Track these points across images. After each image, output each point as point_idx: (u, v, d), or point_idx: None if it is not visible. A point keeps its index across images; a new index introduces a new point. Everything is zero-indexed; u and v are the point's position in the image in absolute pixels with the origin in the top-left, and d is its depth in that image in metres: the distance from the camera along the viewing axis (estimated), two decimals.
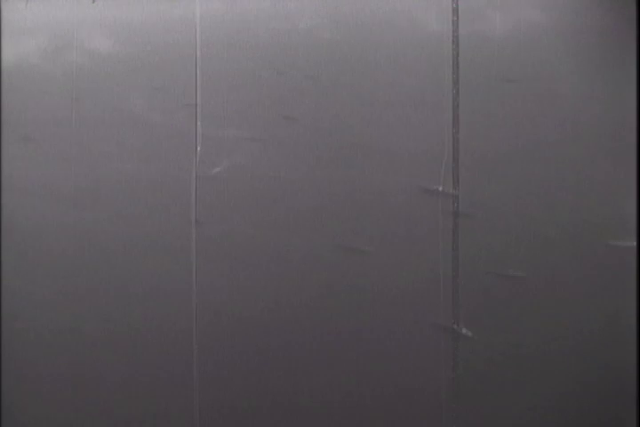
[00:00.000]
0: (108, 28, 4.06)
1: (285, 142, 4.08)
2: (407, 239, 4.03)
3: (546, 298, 3.96)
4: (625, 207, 3.95)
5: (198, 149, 4.07)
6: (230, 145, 4.09)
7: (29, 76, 4.16)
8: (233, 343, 4.05)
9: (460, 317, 4.01)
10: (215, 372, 4.10)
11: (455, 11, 3.93)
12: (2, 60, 4.13)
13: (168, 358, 4.08)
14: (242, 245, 4.01)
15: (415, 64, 4.05)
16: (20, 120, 4.19)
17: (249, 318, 4.02)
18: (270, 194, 4.04)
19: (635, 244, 3.82)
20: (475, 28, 4.00)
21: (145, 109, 4.11)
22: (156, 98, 4.10)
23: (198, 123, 4.12)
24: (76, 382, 4.11)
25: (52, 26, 4.04)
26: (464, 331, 3.89)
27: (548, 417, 3.95)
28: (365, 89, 4.11)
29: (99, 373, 4.09)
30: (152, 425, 4.08)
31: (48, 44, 4.06)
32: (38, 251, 4.07)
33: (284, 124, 4.07)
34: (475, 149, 4.05)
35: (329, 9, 4.01)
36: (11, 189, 4.06)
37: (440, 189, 4.01)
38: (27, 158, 4.18)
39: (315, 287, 4.00)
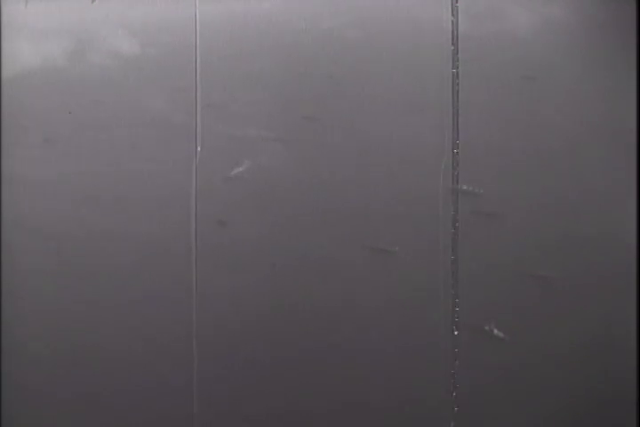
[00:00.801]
0: (132, 28, 4.05)
1: (306, 143, 4.06)
2: (432, 239, 4.00)
3: (575, 299, 3.93)
4: None
5: (198, 149, 4.05)
6: (251, 145, 4.08)
7: (51, 78, 4.16)
8: (253, 347, 4.03)
9: (490, 318, 3.98)
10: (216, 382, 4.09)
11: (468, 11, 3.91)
12: (23, 62, 4.13)
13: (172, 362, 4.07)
14: (266, 247, 3.99)
15: (439, 64, 4.02)
16: (41, 122, 4.18)
17: (280, 321, 3.99)
18: (293, 195, 4.02)
19: None
20: (499, 27, 3.98)
21: (166, 110, 4.10)
22: (177, 99, 4.09)
23: (199, 120, 4.09)
24: (72, 389, 4.09)
25: (75, 27, 4.03)
26: (495, 332, 3.85)
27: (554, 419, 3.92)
28: (388, 89, 4.08)
29: (97, 379, 4.08)
30: None
31: (70, 46, 4.06)
32: (58, 253, 4.06)
33: (304, 124, 4.05)
34: (495, 147, 4.02)
35: (352, 8, 3.98)
36: (33, 191, 4.06)
37: (464, 187, 3.98)
38: (47, 160, 4.17)
39: (341, 288, 3.98)
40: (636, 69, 3.85)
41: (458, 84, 4.05)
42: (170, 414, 4.16)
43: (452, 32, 4.03)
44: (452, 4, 3.95)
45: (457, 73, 4.04)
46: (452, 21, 3.94)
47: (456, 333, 3.95)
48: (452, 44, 4.01)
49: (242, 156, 4.13)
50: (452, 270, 4.01)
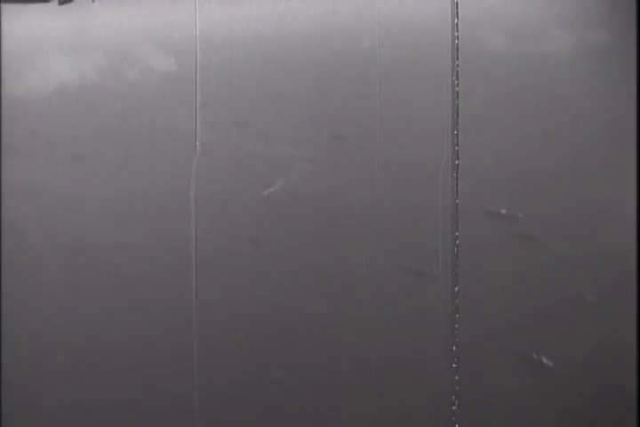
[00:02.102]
0: (163, 46, 4.06)
1: (336, 162, 4.06)
2: (472, 262, 3.98)
3: (621, 322, 3.89)
4: None
5: (196, 159, 4.04)
6: (282, 165, 4.08)
7: (81, 95, 4.18)
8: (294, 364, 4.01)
9: (540, 345, 3.94)
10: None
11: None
12: (60, 78, 4.16)
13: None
14: (302, 268, 3.99)
15: (480, 83, 4.01)
16: (71, 138, 4.20)
17: (321, 343, 3.97)
18: (327, 215, 4.02)
19: None
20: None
21: (194, 127, 4.12)
22: (205, 116, 4.10)
23: (199, 130, 4.10)
24: (69, 396, 4.09)
25: (111, 43, 4.05)
26: (545, 360, 3.80)
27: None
28: (418, 110, 4.08)
29: (96, 387, 4.07)
30: None
31: (102, 63, 4.08)
32: (89, 269, 4.07)
33: (333, 143, 4.05)
34: (531, 169, 4.01)
35: (388, 29, 3.99)
36: (62, 207, 4.07)
37: (503, 211, 3.96)
38: (76, 176, 4.19)
39: (377, 311, 3.96)
40: (636, 70, 3.83)
41: (487, 107, 4.05)
42: (169, 423, 4.16)
43: (452, 53, 4.02)
44: (454, 27, 3.94)
45: (486, 95, 4.03)
46: (456, 38, 3.93)
47: (455, 348, 3.92)
48: (453, 66, 4.00)
49: (272, 175, 4.13)
50: (452, 299, 3.99)
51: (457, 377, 3.96)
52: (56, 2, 4.19)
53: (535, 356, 3.81)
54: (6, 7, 4.15)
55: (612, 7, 3.84)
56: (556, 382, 3.93)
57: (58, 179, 4.30)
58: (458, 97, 3.97)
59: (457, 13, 3.85)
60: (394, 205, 3.94)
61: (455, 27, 3.89)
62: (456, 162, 3.92)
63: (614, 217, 3.95)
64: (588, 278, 3.94)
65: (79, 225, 4.19)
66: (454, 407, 3.91)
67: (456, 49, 3.95)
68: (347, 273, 4.03)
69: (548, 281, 3.97)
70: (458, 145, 3.95)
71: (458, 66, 3.94)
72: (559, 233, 4.04)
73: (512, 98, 3.97)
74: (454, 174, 3.86)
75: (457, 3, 3.89)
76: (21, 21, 4.30)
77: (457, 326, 3.95)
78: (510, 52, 3.92)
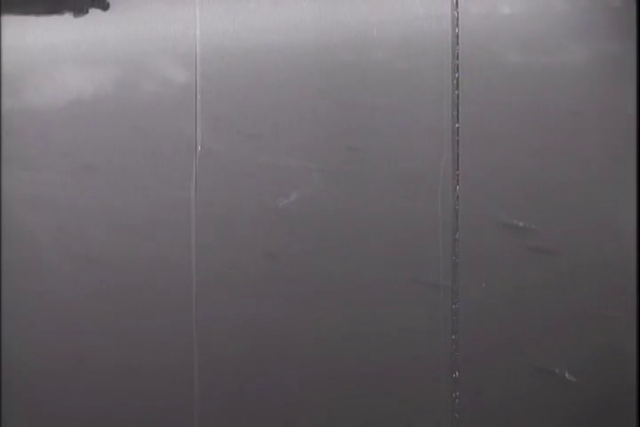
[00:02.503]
0: (184, 58, 4.05)
1: (350, 173, 4.03)
2: (488, 275, 3.95)
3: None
4: None
5: (195, 172, 4.02)
6: (297, 176, 4.06)
7: (94, 106, 4.18)
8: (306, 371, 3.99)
9: (558, 360, 3.90)
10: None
11: None
12: (71, 89, 4.15)
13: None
14: (319, 279, 3.95)
15: (500, 95, 3.99)
16: (83, 149, 4.19)
17: (339, 351, 3.94)
18: (342, 226, 3.99)
19: None
20: None
21: (207, 139, 4.10)
22: (218, 127, 4.09)
23: (198, 133, 4.08)
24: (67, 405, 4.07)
25: (127, 56, 4.04)
26: (567, 375, 3.76)
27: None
28: (434, 118, 4.06)
29: (103, 390, 4.06)
30: None
31: (117, 75, 4.07)
32: (102, 279, 4.05)
33: (348, 154, 4.03)
34: (548, 182, 3.99)
35: (404, 40, 3.97)
36: (76, 217, 4.06)
37: (520, 224, 3.93)
38: (89, 186, 4.18)
39: (391, 322, 3.93)
40: (636, 69, 3.81)
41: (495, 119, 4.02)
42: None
43: (452, 64, 4.00)
44: (454, 39, 3.92)
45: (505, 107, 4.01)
46: (455, 51, 3.91)
47: (456, 374, 3.89)
48: (454, 77, 3.98)
49: (287, 187, 4.11)
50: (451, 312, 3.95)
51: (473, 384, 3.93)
52: (71, 14, 4.19)
53: (558, 371, 3.76)
54: (19, 20, 4.15)
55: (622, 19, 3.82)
56: (569, 391, 3.89)
57: (70, 189, 4.29)
58: (458, 106, 3.95)
59: (457, 24, 3.83)
60: (408, 217, 3.91)
61: (456, 39, 3.87)
62: (457, 173, 3.89)
63: (620, 227, 3.92)
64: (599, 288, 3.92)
65: (91, 235, 4.18)
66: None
67: (456, 61, 3.93)
68: (359, 283, 4.00)
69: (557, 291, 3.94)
70: (457, 156, 3.92)
71: (458, 78, 3.91)
72: (573, 244, 4.00)
73: (531, 110, 3.95)
74: (458, 186, 3.82)
75: (457, 18, 3.86)
76: (38, 33, 4.30)
77: (457, 337, 3.92)
78: (525, 64, 3.90)
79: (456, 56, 3.78)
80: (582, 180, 3.70)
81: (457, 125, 3.83)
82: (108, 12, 4.03)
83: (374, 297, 3.84)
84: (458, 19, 3.73)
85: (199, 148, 3.87)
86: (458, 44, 3.77)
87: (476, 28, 3.79)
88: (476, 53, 3.70)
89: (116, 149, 4.02)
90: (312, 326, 3.93)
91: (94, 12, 4.03)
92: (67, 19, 4.06)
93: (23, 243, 4.06)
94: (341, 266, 3.85)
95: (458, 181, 3.80)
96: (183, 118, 4.14)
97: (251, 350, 3.94)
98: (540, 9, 3.66)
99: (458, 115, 3.79)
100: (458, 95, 3.76)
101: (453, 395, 3.74)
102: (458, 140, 3.78)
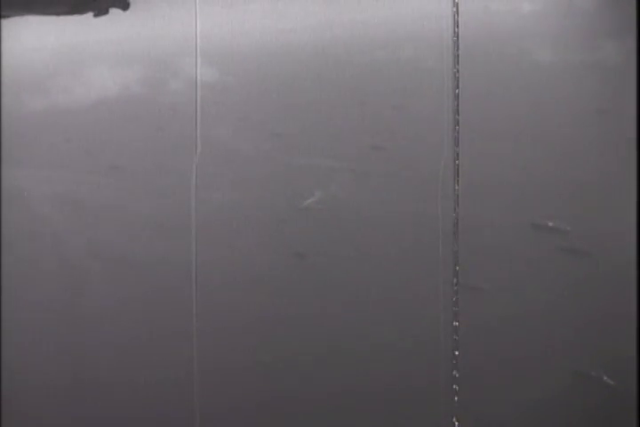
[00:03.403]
0: (211, 57, 4.04)
1: (375, 172, 4.01)
2: (522, 276, 3.91)
3: None
4: None
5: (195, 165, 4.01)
6: (322, 175, 4.04)
7: (120, 106, 4.17)
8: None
9: (598, 362, 3.84)
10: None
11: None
12: (94, 89, 4.15)
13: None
14: (347, 281, 3.94)
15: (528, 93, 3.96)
16: (107, 149, 4.19)
17: (366, 355, 3.92)
18: (369, 226, 3.97)
19: None
20: None
21: (231, 138, 4.09)
22: (243, 127, 4.07)
23: (198, 130, 4.06)
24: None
25: (154, 55, 4.03)
26: (605, 378, 3.70)
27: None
28: (459, 121, 4.03)
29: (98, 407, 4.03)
30: None
31: (145, 74, 4.07)
32: (130, 280, 4.05)
33: (372, 153, 4.01)
34: (576, 181, 3.95)
35: (431, 39, 3.94)
36: (100, 218, 4.06)
37: (550, 224, 3.89)
38: (114, 187, 4.17)
39: (426, 324, 3.90)
40: (635, 67, 3.77)
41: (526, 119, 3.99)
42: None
43: (454, 75, 3.97)
44: (455, 47, 3.89)
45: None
46: (455, 67, 3.88)
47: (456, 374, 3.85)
48: (456, 84, 3.94)
49: (312, 186, 4.09)
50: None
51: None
52: (91, 14, 4.19)
53: (594, 373, 3.72)
54: (43, 20, 4.15)
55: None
56: (608, 393, 3.85)
57: (94, 189, 4.29)
58: (463, 106, 3.90)
59: (457, 24, 3.79)
60: (436, 217, 3.88)
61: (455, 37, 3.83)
62: (492, 174, 3.86)
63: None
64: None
65: (116, 236, 4.17)
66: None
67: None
68: (399, 289, 3.96)
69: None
70: (478, 157, 3.89)
71: (461, 77, 3.88)
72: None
73: (558, 109, 3.91)
74: (457, 187, 3.78)
75: (457, 21, 3.82)
76: (57, 34, 4.30)
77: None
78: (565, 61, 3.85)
79: (454, 54, 3.74)
80: (608, 179, 3.66)
81: (481, 127, 3.80)
82: (133, 11, 4.02)
83: (403, 296, 3.81)
84: (458, 25, 3.70)
85: (199, 148, 3.87)
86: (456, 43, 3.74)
87: (499, 26, 3.75)
88: (507, 51, 3.67)
89: (139, 148, 4.01)
90: (343, 328, 3.90)
91: (116, 12, 4.03)
92: (92, 19, 4.06)
93: (47, 241, 4.06)
94: (367, 266, 3.83)
95: (465, 182, 3.78)
96: (208, 119, 4.13)
97: (285, 350, 3.93)
98: (564, 7, 3.62)
99: (473, 115, 3.76)
100: (464, 94, 3.74)
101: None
102: (479, 142, 3.75)
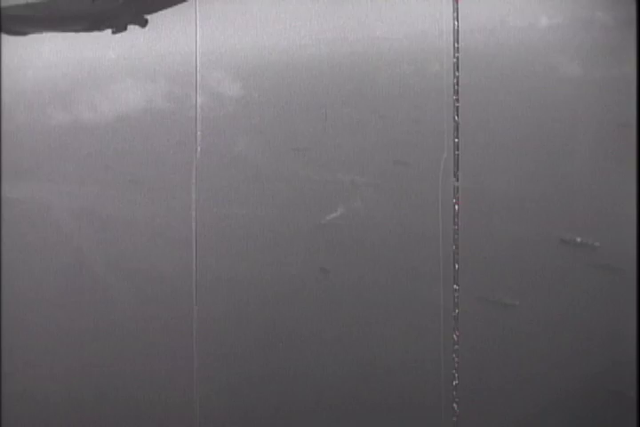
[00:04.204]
0: (234, 72, 4.08)
1: (398, 187, 4.00)
2: (551, 292, 3.88)
3: None
4: None
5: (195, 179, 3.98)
6: (344, 190, 4.04)
7: (142, 121, 4.22)
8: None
9: (625, 379, 3.79)
10: None
11: None
12: (114, 104, 4.21)
13: None
14: (372, 295, 3.92)
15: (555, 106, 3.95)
16: (126, 163, 4.23)
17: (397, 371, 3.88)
18: (395, 242, 3.96)
19: None
20: None
21: (252, 152, 4.11)
22: (262, 141, 4.09)
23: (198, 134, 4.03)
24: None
25: (176, 69, 4.08)
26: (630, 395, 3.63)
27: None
28: (482, 133, 4.03)
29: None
30: None
31: (164, 88, 4.11)
32: (152, 294, 4.06)
33: (395, 169, 4.01)
34: (604, 197, 3.92)
35: (451, 53, 3.91)
36: (119, 229, 4.08)
37: (578, 240, 3.86)
38: (132, 200, 4.20)
39: (459, 341, 3.85)
40: (636, 68, 3.75)
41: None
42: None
43: (454, 85, 3.94)
44: (455, 61, 3.85)
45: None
46: (455, 76, 3.85)
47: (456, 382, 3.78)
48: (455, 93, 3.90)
49: (335, 201, 4.09)
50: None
51: None
52: (109, 31, 4.22)
53: (627, 392, 3.65)
54: (66, 36, 4.17)
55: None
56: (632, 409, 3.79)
57: (112, 203, 4.32)
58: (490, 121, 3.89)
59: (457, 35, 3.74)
60: (468, 234, 3.84)
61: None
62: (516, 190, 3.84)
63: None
64: None
65: (136, 248, 4.19)
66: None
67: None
68: (427, 305, 3.93)
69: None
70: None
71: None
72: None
73: (582, 123, 3.90)
74: (457, 205, 3.73)
75: (456, 32, 3.78)
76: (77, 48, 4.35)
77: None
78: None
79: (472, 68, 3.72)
80: (634, 194, 3.62)
81: (506, 142, 3.80)
82: (153, 28, 4.04)
83: (431, 312, 3.78)
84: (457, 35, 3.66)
85: (199, 148, 3.87)
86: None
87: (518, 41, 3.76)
88: (528, 66, 3.68)
89: (159, 163, 4.04)
90: (368, 342, 3.88)
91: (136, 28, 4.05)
92: (116, 34, 4.09)
93: (69, 255, 4.08)
94: (391, 280, 3.81)
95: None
96: (232, 134, 4.16)
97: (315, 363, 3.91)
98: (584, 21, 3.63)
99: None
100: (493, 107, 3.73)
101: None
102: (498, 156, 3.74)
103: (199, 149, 3.60)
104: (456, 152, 3.73)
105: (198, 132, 3.52)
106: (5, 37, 4.37)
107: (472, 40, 3.97)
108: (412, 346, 3.67)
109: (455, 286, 3.86)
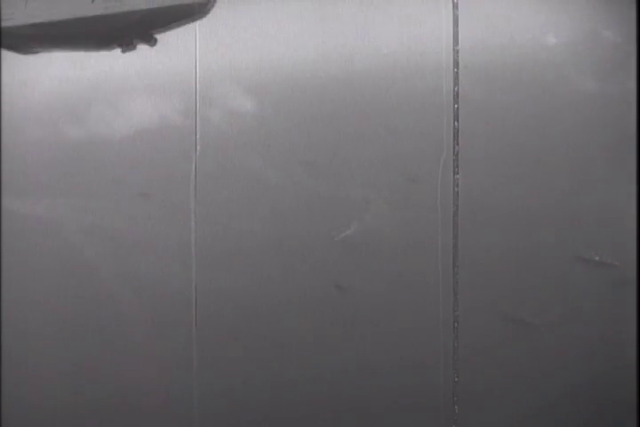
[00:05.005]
0: (247, 87, 4.03)
1: (411, 204, 3.96)
2: (569, 311, 3.84)
3: None
4: None
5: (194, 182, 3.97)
6: (357, 206, 4.00)
7: (145, 133, 4.18)
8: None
9: None
10: None
11: None
12: (124, 118, 4.17)
13: None
14: (389, 313, 3.88)
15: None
16: (136, 177, 4.19)
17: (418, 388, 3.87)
18: (409, 259, 3.91)
19: None
20: None
21: (261, 167, 4.07)
22: (272, 155, 4.06)
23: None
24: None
25: (190, 84, 4.03)
26: None
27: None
28: (497, 147, 3.99)
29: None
30: None
31: (175, 103, 4.07)
32: (166, 311, 4.03)
33: (407, 185, 3.97)
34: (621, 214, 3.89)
35: (470, 70, 3.90)
36: (129, 246, 4.05)
37: (597, 258, 3.83)
38: (142, 215, 4.17)
39: (471, 356, 3.82)
40: (636, 69, 3.71)
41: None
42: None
43: (454, 96, 3.93)
44: (454, 75, 3.86)
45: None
46: (454, 90, 3.84)
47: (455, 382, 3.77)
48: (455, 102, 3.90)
49: (348, 217, 4.05)
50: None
51: None
52: (119, 50, 4.24)
53: None
54: (80, 55, 4.17)
55: None
56: None
57: (123, 218, 4.28)
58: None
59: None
60: (484, 252, 3.81)
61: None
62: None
63: None
64: None
65: (148, 264, 4.16)
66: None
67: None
68: (443, 321, 3.90)
69: None
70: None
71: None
72: None
73: (597, 139, 3.87)
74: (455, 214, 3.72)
75: (456, 50, 3.78)
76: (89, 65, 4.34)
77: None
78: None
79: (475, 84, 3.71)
80: None
81: (519, 158, 3.76)
82: (164, 44, 4.04)
83: (445, 329, 3.75)
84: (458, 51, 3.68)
85: (198, 148, 3.85)
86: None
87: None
88: (538, 82, 3.64)
89: (169, 177, 4.01)
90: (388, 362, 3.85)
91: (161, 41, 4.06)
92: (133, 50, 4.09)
93: (81, 271, 4.06)
94: (407, 297, 3.77)
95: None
96: (245, 150, 4.12)
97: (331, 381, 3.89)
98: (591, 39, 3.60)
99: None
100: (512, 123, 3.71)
101: None
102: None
103: (196, 162, 3.59)
104: (453, 157, 3.70)
105: (198, 147, 3.52)
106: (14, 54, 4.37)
107: (481, 57, 3.96)
108: (434, 366, 3.62)
109: (464, 304, 3.84)
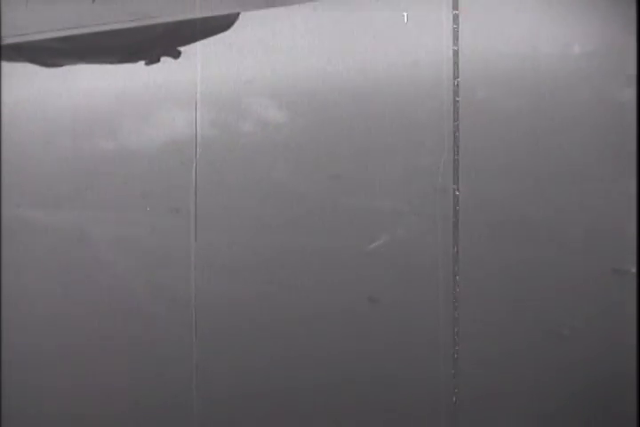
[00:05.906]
0: (280, 98, 4.02)
1: (441, 215, 3.92)
2: (601, 322, 3.78)
3: None
4: None
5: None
6: (387, 218, 3.96)
7: (177, 146, 4.16)
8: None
9: None
10: None
11: None
12: (151, 132, 4.16)
13: None
14: (421, 325, 3.84)
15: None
16: (166, 191, 4.18)
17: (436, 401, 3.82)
18: (440, 271, 3.87)
19: None
20: None
21: (291, 180, 4.04)
22: (301, 168, 4.03)
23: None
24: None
25: (224, 95, 4.02)
26: None
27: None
28: (520, 159, 3.95)
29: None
30: None
31: (205, 115, 4.05)
32: (193, 322, 4.01)
33: (437, 196, 3.92)
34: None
35: (502, 80, 3.86)
36: (161, 260, 4.04)
37: (633, 270, 3.76)
38: (175, 229, 4.15)
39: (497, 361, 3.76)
40: (636, 67, 3.66)
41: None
42: None
43: (455, 109, 3.89)
44: (454, 87, 3.82)
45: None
46: (455, 103, 3.80)
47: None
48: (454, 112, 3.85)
49: (378, 229, 4.01)
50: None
51: None
52: (142, 63, 4.23)
53: None
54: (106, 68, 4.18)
55: None
56: None
57: (151, 231, 4.27)
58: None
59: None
60: (513, 263, 3.76)
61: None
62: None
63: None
64: None
65: (178, 278, 4.15)
66: None
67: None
68: (477, 332, 3.85)
69: None
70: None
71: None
72: None
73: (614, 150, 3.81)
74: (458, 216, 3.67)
75: (457, 62, 3.75)
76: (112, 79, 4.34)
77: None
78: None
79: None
80: None
81: (546, 169, 3.72)
82: (192, 55, 4.03)
83: (479, 340, 3.69)
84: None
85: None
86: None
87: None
88: (569, 93, 3.59)
89: (200, 191, 3.99)
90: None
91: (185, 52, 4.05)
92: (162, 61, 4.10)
93: (109, 285, 4.05)
94: (440, 308, 3.72)
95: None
96: (278, 164, 4.09)
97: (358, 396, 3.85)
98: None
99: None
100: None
101: None
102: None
103: (196, 177, 3.58)
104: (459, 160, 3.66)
105: (197, 155, 3.51)
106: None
107: (507, 66, 3.93)
108: (468, 378, 3.58)
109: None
